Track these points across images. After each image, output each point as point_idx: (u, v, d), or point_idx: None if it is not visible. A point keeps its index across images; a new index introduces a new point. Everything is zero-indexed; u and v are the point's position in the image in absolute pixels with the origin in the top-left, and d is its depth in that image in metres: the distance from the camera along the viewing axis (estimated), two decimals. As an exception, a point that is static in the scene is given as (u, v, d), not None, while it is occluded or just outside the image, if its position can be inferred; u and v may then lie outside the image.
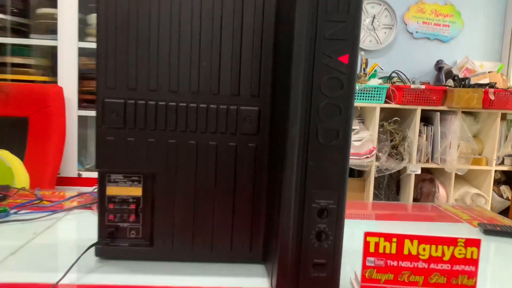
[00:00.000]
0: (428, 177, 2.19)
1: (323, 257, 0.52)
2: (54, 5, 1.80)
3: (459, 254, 0.52)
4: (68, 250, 0.67)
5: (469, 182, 2.25)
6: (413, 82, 2.20)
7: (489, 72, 2.21)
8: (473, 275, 0.51)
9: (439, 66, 2.30)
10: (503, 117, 2.13)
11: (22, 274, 0.57)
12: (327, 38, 0.49)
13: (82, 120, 1.92)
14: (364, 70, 2.10)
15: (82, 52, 1.86)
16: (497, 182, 2.23)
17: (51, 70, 1.93)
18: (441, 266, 0.52)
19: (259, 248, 0.63)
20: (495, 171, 2.15)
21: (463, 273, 0.51)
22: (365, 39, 2.40)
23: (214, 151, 0.62)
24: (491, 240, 0.84)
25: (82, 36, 1.88)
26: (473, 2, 2.43)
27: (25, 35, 1.90)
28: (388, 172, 2.01)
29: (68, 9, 1.78)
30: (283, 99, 0.53)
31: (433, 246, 0.52)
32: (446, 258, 0.52)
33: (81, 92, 1.88)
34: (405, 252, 0.52)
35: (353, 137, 1.91)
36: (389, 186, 2.17)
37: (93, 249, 0.62)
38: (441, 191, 2.10)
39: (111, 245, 0.62)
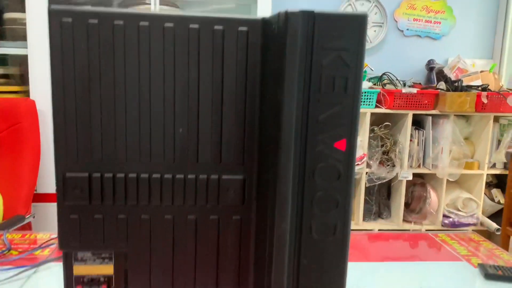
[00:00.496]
0: (420, 181, 2.16)
1: None
2: (23, 9, 1.68)
3: None
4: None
5: (460, 185, 2.22)
6: (404, 84, 2.14)
7: (481, 71, 2.15)
8: None
9: (430, 66, 2.24)
10: (496, 119, 2.09)
11: None
12: (320, 122, 0.42)
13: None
14: (354, 72, 2.02)
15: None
16: (488, 185, 2.21)
17: (20, 78, 1.82)
18: None
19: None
20: (487, 174, 2.12)
21: None
22: (355, 38, 2.32)
23: (193, 226, 0.55)
24: (492, 285, 0.80)
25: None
26: (464, -3, 2.36)
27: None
28: (380, 182, 1.96)
29: (37, 14, 1.65)
30: (271, 188, 0.46)
31: None
32: None
33: (56, 102, 1.78)
34: None
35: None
36: (380, 192, 2.13)
37: None
38: (433, 196, 2.07)
39: (80, 337, 0.55)
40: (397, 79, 2.09)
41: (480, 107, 1.97)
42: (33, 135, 1.57)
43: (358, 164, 1.95)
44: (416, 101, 1.95)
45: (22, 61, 1.84)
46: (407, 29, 2.34)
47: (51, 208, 1.77)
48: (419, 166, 2.08)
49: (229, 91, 0.52)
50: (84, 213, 0.54)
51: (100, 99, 0.51)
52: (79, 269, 0.56)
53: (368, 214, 2.13)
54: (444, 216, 2.12)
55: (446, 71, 2.22)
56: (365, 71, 2.13)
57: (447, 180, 2.06)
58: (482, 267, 0.84)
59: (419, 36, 2.36)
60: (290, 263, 0.44)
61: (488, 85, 2.04)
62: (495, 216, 2.13)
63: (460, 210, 2.11)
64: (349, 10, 2.31)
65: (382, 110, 1.99)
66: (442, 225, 2.12)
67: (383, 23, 2.31)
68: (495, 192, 2.17)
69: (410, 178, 2.05)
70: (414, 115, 2.00)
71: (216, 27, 0.51)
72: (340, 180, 0.43)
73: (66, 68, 0.50)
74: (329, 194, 0.43)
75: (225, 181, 0.55)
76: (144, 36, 0.50)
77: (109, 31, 0.50)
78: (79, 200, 0.53)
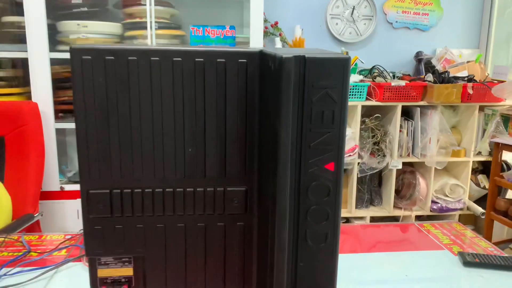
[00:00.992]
0: (409, 169, 2.25)
1: None
2: (21, 13, 1.71)
3: None
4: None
5: (448, 172, 2.31)
6: (394, 76, 2.21)
7: (467, 62, 2.23)
8: None
9: (418, 58, 2.31)
10: (481, 109, 2.17)
11: None
12: (312, 147, 0.49)
13: (59, 128, 1.88)
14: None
15: (54, 61, 1.79)
16: (474, 172, 2.31)
17: (23, 80, 1.86)
18: None
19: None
20: (473, 161, 2.22)
21: None
22: (345, 32, 2.37)
23: (202, 232, 0.63)
24: (471, 272, 0.88)
25: (53, 44, 1.80)
26: (452, -12, 2.42)
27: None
28: (371, 172, 2.05)
29: (35, 17, 1.69)
30: (271, 202, 0.53)
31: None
32: None
33: (56, 103, 1.83)
34: None
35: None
36: (372, 181, 2.22)
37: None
38: (422, 183, 2.16)
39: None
40: (386, 71, 2.16)
41: (466, 97, 2.05)
42: (37, 136, 1.63)
43: (350, 155, 2.04)
44: (405, 93, 2.03)
45: (19, 63, 1.88)
46: (396, 22, 2.40)
47: (57, 205, 1.83)
48: (408, 155, 2.17)
49: (231, 115, 0.59)
50: (106, 224, 0.61)
51: (117, 125, 0.58)
52: (103, 272, 0.64)
53: (361, 202, 2.22)
54: (433, 202, 2.22)
55: (434, 62, 2.29)
56: (356, 64, 2.20)
57: (435, 168, 2.16)
58: (462, 255, 0.93)
59: (408, 28, 2.42)
60: (289, 266, 0.52)
61: (474, 76, 2.12)
62: (481, 201, 2.23)
63: (447, 196, 2.22)
64: (339, 5, 2.35)
65: (373, 102, 2.06)
66: (431, 211, 2.22)
67: (372, 16, 2.36)
68: (481, 178, 2.27)
69: (400, 167, 2.14)
70: (403, 106, 2.07)
71: (218, 59, 0.57)
72: (330, 196, 0.51)
73: (87, 99, 0.57)
74: (321, 208, 0.51)
75: (229, 193, 0.62)
76: (155, 69, 0.57)
77: (124, 65, 0.57)
78: (101, 213, 0.61)
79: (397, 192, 2.26)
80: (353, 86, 2.02)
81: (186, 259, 0.63)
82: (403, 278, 0.86)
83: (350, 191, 2.18)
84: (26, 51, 1.70)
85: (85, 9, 1.79)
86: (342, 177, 0.51)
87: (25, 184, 1.59)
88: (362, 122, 2.09)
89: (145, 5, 1.78)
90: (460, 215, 2.28)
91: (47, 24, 1.69)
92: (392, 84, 2.01)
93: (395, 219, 2.24)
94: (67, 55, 1.78)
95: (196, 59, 0.57)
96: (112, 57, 0.56)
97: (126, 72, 0.57)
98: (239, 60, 0.58)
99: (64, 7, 1.82)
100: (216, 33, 1.77)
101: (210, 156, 0.61)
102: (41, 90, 1.74)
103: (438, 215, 2.21)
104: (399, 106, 2.05)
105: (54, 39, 1.81)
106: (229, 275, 0.63)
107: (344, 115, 0.48)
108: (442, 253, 0.97)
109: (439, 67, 2.27)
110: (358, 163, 2.09)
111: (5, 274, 0.83)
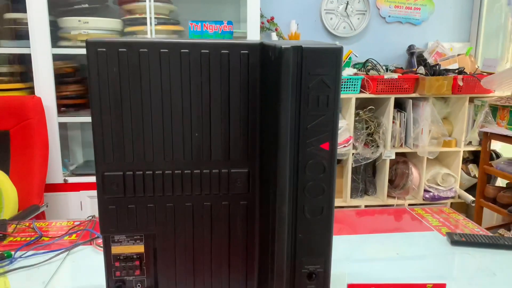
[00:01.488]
0: (402, 160, 2.31)
1: (312, 315, 0.60)
2: (23, 10, 1.75)
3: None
4: (80, 305, 0.73)
5: (440, 162, 2.38)
6: (387, 69, 2.27)
7: (458, 55, 2.29)
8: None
9: (411, 52, 2.37)
10: (471, 100, 2.24)
11: None
12: (309, 129, 0.55)
13: (62, 122, 1.92)
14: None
15: (56, 56, 1.83)
16: (465, 161, 2.38)
17: (25, 76, 1.90)
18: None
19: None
20: (464, 151, 2.29)
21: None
22: (339, 26, 2.43)
23: (209, 210, 0.68)
24: (457, 250, 0.95)
25: (55, 40, 1.84)
26: (443, -17, 2.47)
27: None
28: (365, 162, 2.11)
29: (38, 13, 1.73)
30: (272, 179, 0.59)
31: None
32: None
33: (59, 97, 1.87)
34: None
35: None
36: (366, 171, 2.28)
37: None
38: (414, 172, 2.23)
39: (120, 298, 0.68)
40: (380, 65, 2.22)
41: (456, 89, 2.11)
42: (41, 130, 1.67)
43: (345, 146, 2.10)
44: (398, 86, 2.09)
45: (20, 58, 1.92)
46: (389, 16, 2.45)
47: (61, 197, 1.88)
48: (401, 145, 2.24)
49: (235, 102, 0.65)
50: (120, 204, 0.66)
51: (130, 112, 0.63)
52: (116, 249, 0.69)
53: (355, 192, 2.29)
54: (425, 191, 2.29)
55: (426, 55, 2.35)
56: (350, 58, 2.25)
57: (427, 158, 2.22)
58: (449, 235, 0.99)
59: (400, 22, 2.48)
60: (289, 237, 0.58)
61: (464, 68, 2.18)
62: (472, 189, 2.30)
63: (439, 185, 2.29)
64: (333, 0, 2.41)
65: (366, 95, 2.12)
66: (423, 199, 2.29)
67: (366, 11, 2.42)
68: (471, 167, 2.34)
69: (393, 157, 2.20)
70: (396, 98, 2.14)
71: (223, 51, 0.63)
72: (325, 172, 0.56)
73: (102, 88, 0.62)
74: (317, 183, 0.57)
75: (233, 174, 0.67)
76: (164, 60, 0.62)
77: (136, 57, 0.62)
78: (115, 194, 0.66)
79: (391, 181, 2.33)
80: (347, 79, 2.07)
81: (194, 236, 0.68)
82: (394, 256, 0.92)
83: (345, 181, 2.24)
84: (29, 47, 1.74)
85: (86, 5, 1.83)
86: (336, 155, 0.56)
87: (30, 176, 1.64)
88: (356, 114, 2.15)
89: (145, 1, 1.83)
90: (452, 203, 2.35)
91: (49, 20, 1.73)
92: (385, 77, 2.07)
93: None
94: (68, 51, 1.82)
95: (202, 51, 0.62)
96: (125, 49, 0.61)
97: (137, 63, 0.62)
98: (242, 51, 0.63)
99: (65, 4, 1.86)
100: (214, 28, 1.81)
101: (215, 141, 0.66)
102: (44, 85, 1.78)
103: (430, 203, 2.28)
104: (392, 98, 2.11)
105: (56, 35, 1.85)
106: (234, 248, 0.69)
107: (337, 99, 0.54)
108: (431, 234, 1.04)
109: (431, 60, 2.33)
110: (353, 153, 2.15)
111: (20, 257, 0.88)
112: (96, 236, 0.97)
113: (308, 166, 0.56)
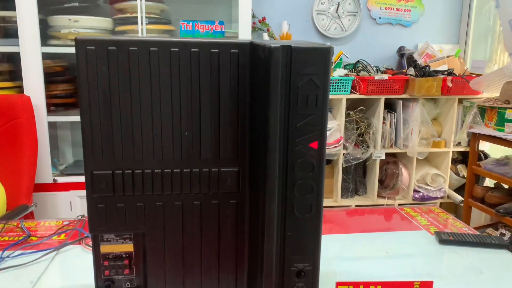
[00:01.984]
0: (392, 160, 2.33)
1: (301, 312, 0.60)
2: (12, 8, 1.73)
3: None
4: (68, 304, 0.73)
5: (429, 162, 2.40)
6: (377, 70, 2.29)
7: (447, 56, 2.31)
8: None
9: (401, 53, 2.39)
10: (460, 101, 2.27)
11: None
12: (298, 128, 0.55)
13: (51, 122, 1.90)
14: (330, 60, 2.14)
15: (46, 55, 1.82)
16: (454, 161, 2.40)
17: (14, 74, 1.88)
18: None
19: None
20: (453, 151, 2.31)
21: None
22: (330, 27, 2.44)
23: (198, 209, 0.68)
24: (445, 249, 0.96)
25: (45, 38, 1.83)
26: (432, -15, 2.50)
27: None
28: (355, 162, 2.12)
29: (27, 12, 1.71)
30: (261, 178, 0.59)
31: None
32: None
33: (48, 96, 1.86)
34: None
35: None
36: (356, 171, 2.30)
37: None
38: (404, 173, 2.25)
39: (109, 298, 0.68)
40: (370, 66, 2.24)
41: (445, 90, 2.14)
42: (30, 129, 1.65)
43: (335, 146, 2.11)
44: (388, 87, 2.10)
45: (8, 57, 1.90)
46: (380, 17, 2.47)
47: (50, 197, 1.86)
48: (391, 146, 2.26)
49: (225, 101, 0.65)
50: (108, 203, 0.66)
51: (119, 111, 0.63)
52: (105, 248, 0.69)
53: (346, 192, 2.30)
54: (415, 191, 2.31)
55: (416, 56, 2.38)
56: (341, 59, 2.27)
57: (417, 158, 2.25)
58: (438, 234, 1.00)
59: (391, 23, 2.50)
60: (278, 235, 0.58)
61: (453, 70, 2.21)
62: (461, 189, 2.32)
63: (429, 185, 2.31)
64: (324, 1, 2.42)
65: (357, 95, 2.14)
66: (413, 199, 2.31)
67: (357, 12, 2.44)
68: (460, 167, 2.36)
69: (383, 157, 2.22)
70: (386, 99, 2.15)
71: (212, 50, 0.63)
72: (314, 171, 0.57)
73: (92, 87, 0.62)
74: (306, 182, 0.57)
75: (223, 173, 0.68)
76: (154, 59, 0.62)
77: (126, 55, 0.62)
78: (104, 192, 0.66)
79: (381, 181, 2.35)
80: (338, 80, 2.09)
81: (183, 235, 0.68)
82: (383, 255, 0.92)
83: (336, 181, 2.26)
84: (18, 46, 1.72)
85: (76, 4, 1.82)
86: (324, 154, 0.57)
87: (18, 176, 1.62)
88: (347, 115, 2.17)
89: (136, 0, 1.82)
90: (441, 203, 2.38)
91: (38, 19, 1.72)
92: (376, 77, 2.08)
93: (379, 208, 2.32)
94: (58, 50, 1.81)
95: (192, 50, 0.62)
96: (115, 48, 0.61)
97: (127, 62, 0.62)
98: (231, 51, 0.63)
99: (56, 2, 1.85)
100: (205, 28, 1.81)
101: (205, 139, 0.66)
102: (33, 84, 1.77)
103: (420, 203, 2.30)
104: (382, 99, 2.13)
105: (46, 33, 1.84)
106: (224, 246, 0.69)
107: (326, 98, 0.54)
108: (420, 233, 1.04)
109: (421, 62, 2.35)
110: (343, 154, 2.17)
111: (7, 257, 0.87)
112: (85, 235, 0.96)
113: (297, 164, 0.56)
